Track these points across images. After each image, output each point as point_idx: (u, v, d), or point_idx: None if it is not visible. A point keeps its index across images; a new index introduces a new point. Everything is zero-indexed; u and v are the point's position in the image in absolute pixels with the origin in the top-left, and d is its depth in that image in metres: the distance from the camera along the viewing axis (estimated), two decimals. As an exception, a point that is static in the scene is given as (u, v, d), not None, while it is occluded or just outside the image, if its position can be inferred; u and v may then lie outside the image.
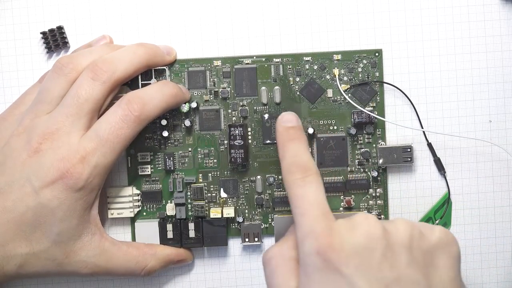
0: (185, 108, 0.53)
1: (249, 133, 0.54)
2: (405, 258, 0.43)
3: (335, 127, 0.54)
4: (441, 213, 0.55)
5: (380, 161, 0.54)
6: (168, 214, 0.54)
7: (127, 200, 0.54)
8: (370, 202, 0.55)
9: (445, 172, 0.55)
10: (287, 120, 0.49)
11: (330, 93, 0.54)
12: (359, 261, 0.43)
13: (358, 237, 0.43)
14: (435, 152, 0.55)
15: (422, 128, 0.54)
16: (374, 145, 0.54)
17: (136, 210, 0.54)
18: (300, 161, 0.47)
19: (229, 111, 0.54)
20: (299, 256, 0.45)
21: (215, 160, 0.55)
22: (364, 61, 0.54)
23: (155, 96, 0.50)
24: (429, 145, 0.55)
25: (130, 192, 0.54)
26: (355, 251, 0.43)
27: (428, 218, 0.55)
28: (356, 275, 0.42)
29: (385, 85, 0.54)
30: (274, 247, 0.47)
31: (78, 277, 0.51)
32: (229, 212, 0.54)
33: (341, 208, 0.54)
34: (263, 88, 0.54)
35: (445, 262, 0.45)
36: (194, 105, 0.53)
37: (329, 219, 0.44)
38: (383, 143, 0.54)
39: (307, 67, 0.54)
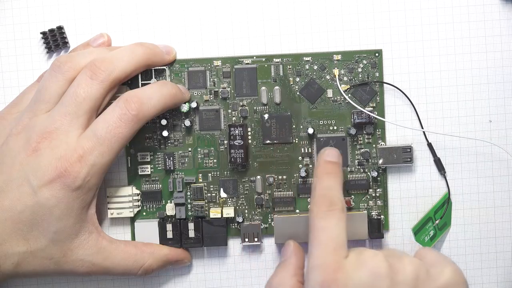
0: (185, 108, 0.53)
1: (249, 133, 0.54)
2: None
3: (335, 127, 0.54)
4: (441, 213, 0.55)
5: (380, 161, 0.54)
6: (168, 214, 0.54)
7: (126, 200, 0.54)
8: (370, 202, 0.55)
9: (445, 172, 0.55)
10: (329, 155, 0.51)
11: (330, 93, 0.54)
12: None
13: (363, 274, 0.44)
14: (435, 152, 0.54)
15: (422, 128, 0.54)
16: (374, 145, 0.54)
17: (136, 210, 0.54)
18: (328, 195, 0.48)
19: (229, 111, 0.54)
20: (305, 285, 0.46)
21: (215, 160, 0.54)
22: (364, 61, 0.54)
23: (153, 95, 0.50)
24: (429, 145, 0.54)
25: (130, 192, 0.54)
26: None
27: (428, 218, 0.55)
28: None
29: (385, 85, 0.54)
30: (275, 277, 0.49)
31: (76, 276, 0.51)
32: (228, 212, 0.54)
33: (341, 208, 0.54)
34: (263, 88, 0.54)
35: None
36: (194, 105, 0.53)
37: (341, 255, 0.45)
38: (383, 143, 0.54)
39: (307, 67, 0.54)
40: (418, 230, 0.54)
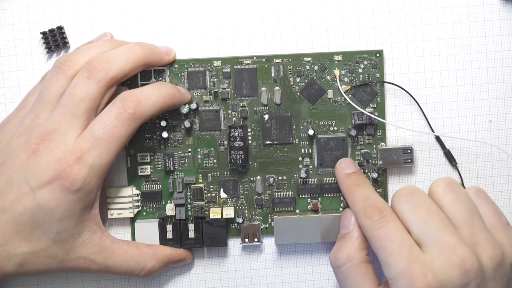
0: (184, 109, 0.53)
1: (249, 134, 0.54)
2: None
3: (335, 128, 0.54)
4: (441, 213, 0.55)
5: (380, 162, 0.54)
6: (167, 214, 0.54)
7: (127, 200, 0.54)
8: (370, 202, 0.55)
9: (456, 163, 0.54)
10: (346, 167, 0.52)
11: (330, 94, 0.54)
12: None
13: (454, 277, 0.45)
14: (444, 144, 0.54)
15: (429, 125, 0.54)
16: (374, 146, 0.54)
17: (136, 210, 0.54)
18: (373, 203, 0.49)
19: (229, 111, 0.54)
20: None
21: (214, 161, 0.54)
22: (365, 62, 0.54)
23: (151, 94, 0.50)
24: (437, 138, 0.54)
25: (130, 192, 0.54)
26: None
27: (428, 219, 0.54)
28: None
29: (386, 86, 0.54)
30: (342, 251, 0.50)
31: (79, 272, 0.51)
32: (228, 212, 0.54)
33: (340, 209, 0.54)
34: (263, 88, 0.54)
35: None
36: (193, 106, 0.53)
37: (417, 255, 0.46)
38: (383, 144, 0.54)
39: (308, 68, 0.54)
40: (418, 230, 0.54)
